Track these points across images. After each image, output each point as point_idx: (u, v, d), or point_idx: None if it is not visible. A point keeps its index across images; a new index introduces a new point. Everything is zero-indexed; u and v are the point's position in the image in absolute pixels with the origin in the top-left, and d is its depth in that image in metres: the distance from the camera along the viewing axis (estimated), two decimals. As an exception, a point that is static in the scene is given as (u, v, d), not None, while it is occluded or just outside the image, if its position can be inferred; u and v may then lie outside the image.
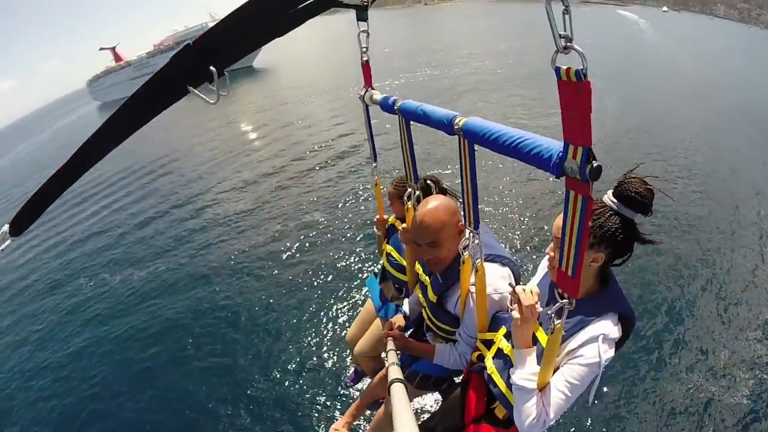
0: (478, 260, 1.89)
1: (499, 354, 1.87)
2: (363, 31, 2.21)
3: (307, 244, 8.73)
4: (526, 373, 1.61)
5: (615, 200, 1.49)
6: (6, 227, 1.76)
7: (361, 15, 2.17)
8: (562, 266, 1.28)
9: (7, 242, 1.77)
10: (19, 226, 1.75)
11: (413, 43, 37.91)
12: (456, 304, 2.14)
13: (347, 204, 10.33)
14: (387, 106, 2.20)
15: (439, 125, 1.75)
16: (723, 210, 9.03)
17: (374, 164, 2.78)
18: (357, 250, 8.29)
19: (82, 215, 13.78)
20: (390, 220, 3.08)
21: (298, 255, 8.45)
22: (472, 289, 2.00)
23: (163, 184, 14.84)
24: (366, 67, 2.37)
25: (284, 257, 8.47)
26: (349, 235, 8.84)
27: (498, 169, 10.81)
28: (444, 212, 2.05)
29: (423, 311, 2.41)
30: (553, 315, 1.36)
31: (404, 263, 2.76)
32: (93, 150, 1.53)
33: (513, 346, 1.67)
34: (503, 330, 1.91)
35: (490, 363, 1.89)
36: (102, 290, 8.71)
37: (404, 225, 2.53)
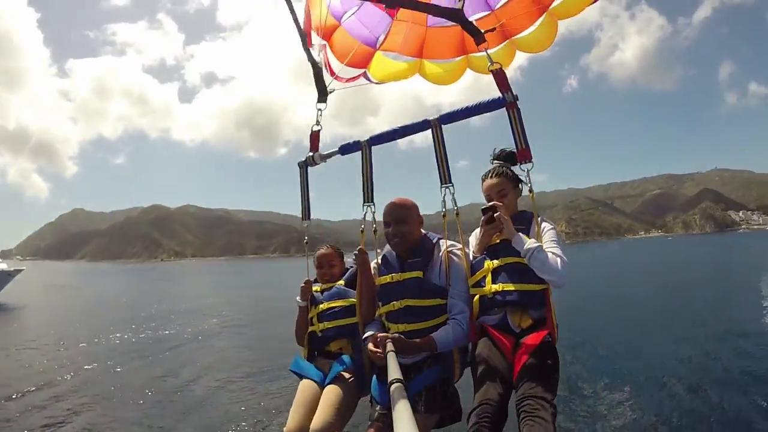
0: (455, 209, 2.72)
1: (495, 272, 2.57)
2: (319, 110, 3.23)
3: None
4: (530, 242, 2.49)
5: (500, 161, 2.90)
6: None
7: (321, 99, 3.22)
8: (520, 146, 2.56)
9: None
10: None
11: (141, 297, 35.17)
12: (440, 272, 2.69)
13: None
14: (350, 148, 3.08)
15: (417, 129, 2.89)
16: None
17: (306, 223, 3.26)
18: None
19: None
20: (315, 288, 3.29)
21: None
22: (452, 249, 2.73)
23: None
24: (315, 135, 3.22)
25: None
26: None
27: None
28: (411, 202, 2.84)
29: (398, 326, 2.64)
30: (527, 176, 2.60)
31: (347, 303, 3.09)
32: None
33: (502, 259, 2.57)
34: (487, 262, 2.63)
35: (494, 287, 2.53)
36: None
37: (360, 247, 2.93)
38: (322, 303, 3.19)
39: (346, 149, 3.12)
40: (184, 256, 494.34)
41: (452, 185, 2.77)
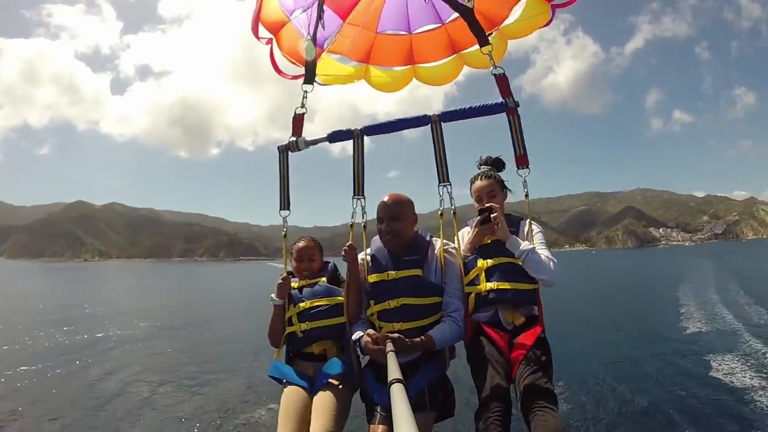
0: (452, 209, 2.74)
1: (489, 271, 2.67)
2: (305, 91, 3.01)
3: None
4: (524, 244, 2.66)
5: (488, 166, 3.02)
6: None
7: (308, 80, 3.04)
8: (519, 152, 2.70)
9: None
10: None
11: (68, 299, 32.31)
12: (436, 270, 2.69)
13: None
14: (341, 135, 2.90)
15: (414, 123, 2.86)
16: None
17: (286, 213, 2.95)
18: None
19: None
20: (294, 284, 3.00)
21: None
22: (447, 247, 2.76)
23: None
24: (300, 119, 2.97)
25: None
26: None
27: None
28: (407, 199, 2.74)
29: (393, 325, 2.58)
30: (524, 180, 2.73)
31: (333, 302, 2.87)
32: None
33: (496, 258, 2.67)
34: (480, 261, 2.71)
35: (488, 285, 2.63)
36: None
37: (350, 242, 2.76)
38: (303, 301, 2.92)
39: (335, 137, 2.95)
40: (108, 256, 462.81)
41: (450, 184, 2.80)
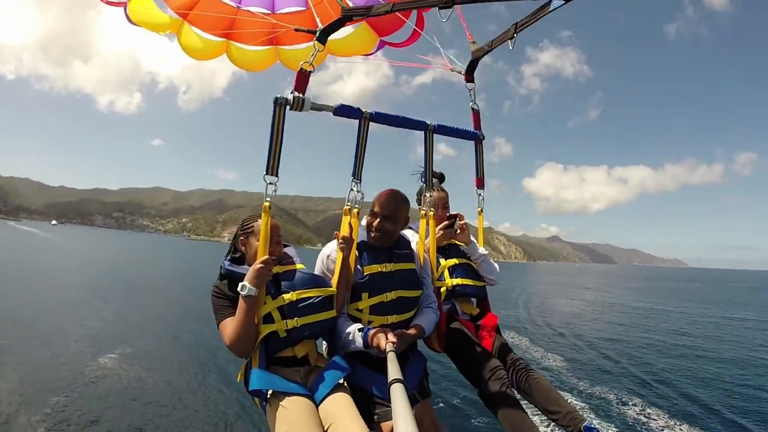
0: (431, 210, 2.98)
1: (452, 269, 3.11)
2: (317, 50, 2.61)
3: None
4: (481, 249, 3.22)
5: (436, 179, 3.28)
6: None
7: (321, 39, 2.63)
8: (480, 174, 3.15)
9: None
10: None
11: None
12: (418, 265, 2.84)
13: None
14: (348, 111, 2.74)
15: (412, 125, 2.94)
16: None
17: (274, 179, 2.41)
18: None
19: None
20: (276, 268, 2.46)
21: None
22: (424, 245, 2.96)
23: None
24: (307, 76, 2.54)
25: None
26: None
27: None
28: (404, 198, 2.76)
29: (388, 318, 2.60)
30: (481, 199, 3.19)
31: (325, 293, 2.47)
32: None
33: (457, 258, 3.15)
34: (442, 260, 3.12)
35: (454, 281, 3.06)
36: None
37: (344, 230, 2.59)
38: (286, 292, 2.40)
39: (343, 111, 2.71)
40: None
41: (434, 189, 3.13)
